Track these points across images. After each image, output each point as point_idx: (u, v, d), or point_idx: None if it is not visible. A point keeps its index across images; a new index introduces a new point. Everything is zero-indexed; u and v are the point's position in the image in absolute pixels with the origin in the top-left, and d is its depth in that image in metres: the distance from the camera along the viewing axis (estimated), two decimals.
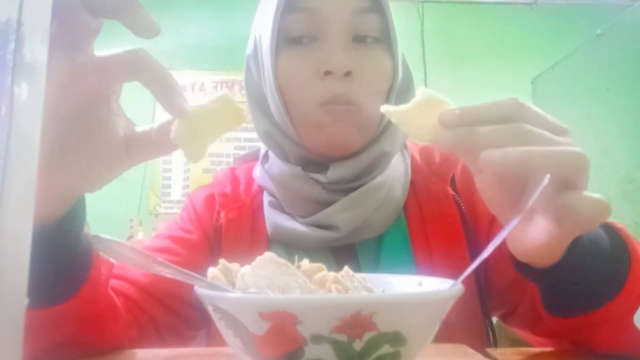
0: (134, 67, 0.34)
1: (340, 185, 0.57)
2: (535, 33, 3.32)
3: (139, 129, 0.39)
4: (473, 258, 0.55)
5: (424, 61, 3.24)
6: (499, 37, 3.33)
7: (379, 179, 0.57)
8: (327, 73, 0.53)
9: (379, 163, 0.58)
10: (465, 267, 0.53)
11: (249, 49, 0.61)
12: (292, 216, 0.59)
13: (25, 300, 0.18)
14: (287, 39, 0.55)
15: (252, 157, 0.70)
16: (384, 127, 0.59)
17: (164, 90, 0.34)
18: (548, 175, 0.34)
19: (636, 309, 0.38)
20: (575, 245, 0.39)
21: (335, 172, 0.56)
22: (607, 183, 2.02)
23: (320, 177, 0.56)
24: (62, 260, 0.38)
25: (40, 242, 0.36)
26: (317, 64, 0.53)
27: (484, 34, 3.34)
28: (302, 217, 0.58)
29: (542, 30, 3.32)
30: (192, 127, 0.35)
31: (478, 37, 3.32)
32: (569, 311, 0.42)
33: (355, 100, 0.54)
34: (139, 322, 0.53)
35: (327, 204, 0.56)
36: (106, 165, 0.38)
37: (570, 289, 0.41)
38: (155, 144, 0.38)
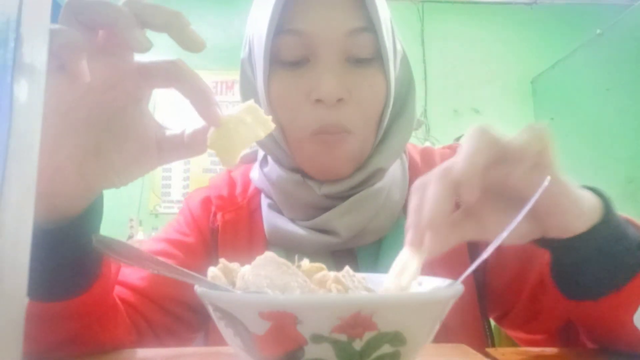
0: (173, 76, 0.36)
1: (338, 194, 0.57)
2: (535, 33, 3.32)
3: (170, 131, 0.41)
4: (473, 260, 0.55)
5: (424, 61, 3.24)
6: (499, 37, 3.33)
7: (377, 185, 0.57)
8: (318, 100, 0.52)
9: (373, 177, 0.58)
10: (465, 270, 0.53)
11: (244, 52, 0.60)
12: (291, 219, 0.59)
13: (25, 300, 0.18)
14: (280, 61, 0.54)
15: (249, 159, 0.70)
16: (378, 143, 0.58)
17: (202, 101, 0.36)
18: (548, 177, 0.34)
19: None
20: (611, 212, 0.40)
21: (327, 189, 0.56)
22: (607, 183, 2.02)
23: (316, 188, 0.56)
24: (79, 255, 0.39)
25: (59, 234, 0.37)
26: (307, 90, 0.53)
27: (484, 34, 3.34)
28: (301, 220, 0.58)
29: (542, 30, 3.32)
30: (225, 134, 0.37)
31: (478, 37, 3.33)
32: (600, 290, 0.41)
33: (347, 127, 0.53)
34: (137, 326, 0.53)
35: (326, 208, 0.56)
36: (137, 161, 0.40)
37: (604, 259, 0.40)
38: (187, 146, 0.40)
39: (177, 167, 3.25)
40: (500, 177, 0.36)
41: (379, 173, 0.58)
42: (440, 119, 3.19)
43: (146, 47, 0.34)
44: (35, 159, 0.19)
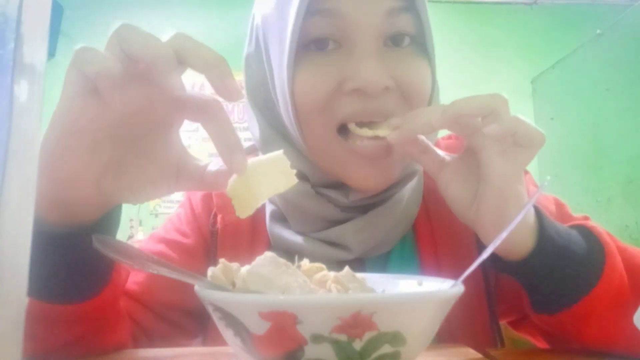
0: (206, 116, 0.35)
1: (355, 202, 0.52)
2: (535, 33, 3.32)
3: (194, 161, 0.40)
4: (485, 268, 0.54)
5: None
6: (499, 37, 3.33)
7: (396, 197, 0.53)
8: (356, 90, 0.45)
9: (405, 181, 0.54)
10: (476, 278, 0.53)
11: (250, 47, 0.55)
12: (297, 231, 0.54)
13: (25, 300, 0.18)
14: (305, 46, 0.46)
15: (249, 151, 0.62)
16: None
17: (228, 147, 0.35)
18: (548, 178, 0.35)
19: (618, 300, 0.40)
20: (546, 237, 0.41)
21: (357, 195, 0.51)
22: (607, 183, 2.02)
23: (338, 196, 0.51)
24: (90, 260, 0.39)
25: (72, 239, 0.37)
26: (341, 78, 0.45)
27: (484, 33, 3.34)
28: (310, 232, 0.54)
29: (542, 30, 3.32)
30: (246, 184, 0.36)
31: (478, 37, 3.32)
32: (551, 307, 0.43)
33: (392, 116, 0.46)
34: (133, 334, 0.52)
35: (338, 222, 0.52)
36: (155, 184, 0.39)
37: (549, 282, 0.42)
38: (205, 182, 0.40)
39: None
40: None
41: (410, 177, 0.54)
42: None
43: (236, 97, 0.34)
44: (35, 158, 0.19)
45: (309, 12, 0.45)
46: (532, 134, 0.40)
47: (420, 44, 0.49)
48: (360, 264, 0.54)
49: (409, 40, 0.48)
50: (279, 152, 0.37)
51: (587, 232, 0.44)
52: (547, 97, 2.73)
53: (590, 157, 2.15)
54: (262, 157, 0.38)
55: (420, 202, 0.57)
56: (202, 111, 0.35)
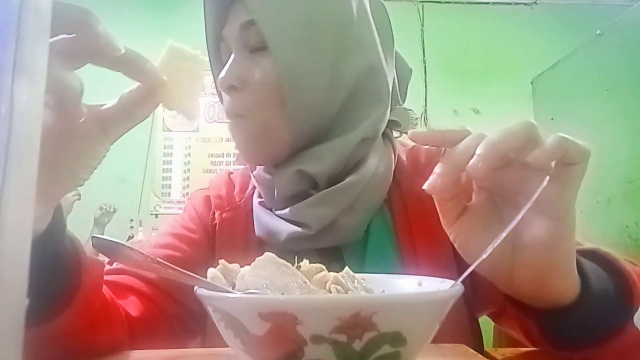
0: (90, 50, 0.33)
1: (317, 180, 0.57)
2: (535, 33, 3.32)
3: (106, 107, 0.38)
4: (457, 257, 0.55)
5: (424, 61, 3.24)
6: (499, 37, 3.33)
7: (351, 179, 0.56)
8: (221, 89, 0.58)
9: (358, 166, 0.57)
10: (451, 268, 0.53)
11: None
12: (271, 209, 0.60)
13: (25, 301, 0.18)
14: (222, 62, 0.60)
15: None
16: (337, 119, 0.57)
17: (137, 69, 0.35)
18: (547, 177, 0.34)
19: None
20: (588, 281, 0.39)
21: (314, 166, 0.55)
22: (607, 183, 2.02)
23: (308, 168, 0.56)
24: (51, 272, 0.38)
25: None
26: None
27: (484, 34, 3.34)
28: (279, 210, 0.58)
29: (542, 30, 3.32)
30: (173, 89, 0.36)
31: (478, 37, 3.32)
32: (578, 344, 0.41)
33: (241, 112, 0.57)
34: (153, 315, 0.54)
35: (301, 198, 0.56)
36: (87, 155, 0.37)
37: (583, 326, 0.40)
38: (134, 114, 0.38)
39: (177, 168, 3.25)
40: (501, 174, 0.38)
41: (366, 144, 0.58)
42: (440, 119, 3.19)
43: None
44: (35, 159, 0.19)
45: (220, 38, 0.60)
46: (581, 147, 0.38)
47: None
48: (337, 252, 0.57)
49: (262, 46, 0.56)
50: (169, 43, 0.38)
51: (604, 261, 0.43)
52: (547, 97, 2.74)
53: (591, 157, 2.14)
54: (159, 60, 0.37)
55: (395, 190, 0.61)
56: (87, 47, 0.33)
